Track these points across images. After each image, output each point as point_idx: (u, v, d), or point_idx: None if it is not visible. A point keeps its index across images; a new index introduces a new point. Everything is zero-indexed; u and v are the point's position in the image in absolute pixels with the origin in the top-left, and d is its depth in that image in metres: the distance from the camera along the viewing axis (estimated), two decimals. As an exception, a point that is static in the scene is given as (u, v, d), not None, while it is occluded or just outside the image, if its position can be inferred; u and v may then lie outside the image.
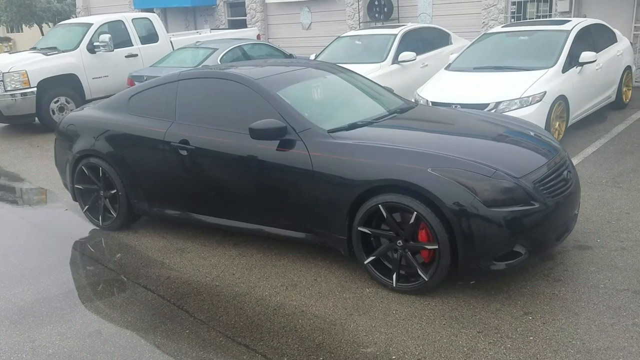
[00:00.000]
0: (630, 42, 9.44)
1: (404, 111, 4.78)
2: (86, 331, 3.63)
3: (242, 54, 10.78)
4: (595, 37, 8.16)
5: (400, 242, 3.78)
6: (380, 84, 5.62)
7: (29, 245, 5.14)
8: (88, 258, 4.85)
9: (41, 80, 10.04)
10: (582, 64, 7.45)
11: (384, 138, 4.08)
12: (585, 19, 8.50)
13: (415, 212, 3.62)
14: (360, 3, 14.45)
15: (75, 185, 5.41)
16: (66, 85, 10.46)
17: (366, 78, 5.48)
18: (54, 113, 10.24)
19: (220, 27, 17.30)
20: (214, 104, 4.70)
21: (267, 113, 4.29)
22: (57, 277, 4.46)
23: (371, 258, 3.91)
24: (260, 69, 5.01)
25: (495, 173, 3.61)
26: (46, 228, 5.60)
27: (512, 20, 12.32)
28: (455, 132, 4.40)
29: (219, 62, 10.04)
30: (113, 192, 5.17)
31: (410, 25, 10.09)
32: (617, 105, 8.79)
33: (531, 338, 3.27)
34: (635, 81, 9.88)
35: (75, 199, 5.53)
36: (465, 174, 3.59)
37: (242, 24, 17.08)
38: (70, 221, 5.72)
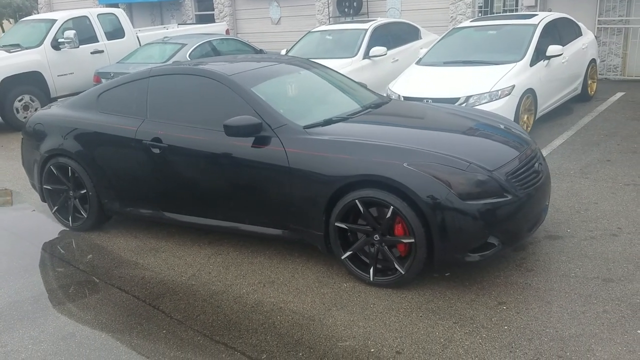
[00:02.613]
0: (595, 36, 9.66)
1: (378, 106, 4.80)
2: (60, 334, 3.56)
3: (211, 49, 10.68)
4: (561, 31, 8.33)
5: (377, 237, 3.81)
6: (354, 80, 5.63)
7: (-3, 248, 5.02)
8: (59, 260, 4.74)
9: (4, 78, 9.76)
10: (549, 58, 7.59)
11: (360, 133, 4.10)
12: (551, 13, 8.66)
13: (392, 207, 3.64)
14: (329, -2, 14.43)
15: (44, 186, 5.28)
16: (30, 83, 10.19)
17: (340, 73, 5.49)
18: (18, 112, 9.99)
19: (187, 22, 17.07)
20: (186, 101, 4.64)
21: (242, 110, 4.26)
22: (27, 280, 4.35)
23: (348, 253, 3.93)
24: (233, 64, 4.96)
25: (469, 166, 3.66)
26: (14, 230, 5.46)
27: (480, 14, 12.47)
28: (429, 126, 4.44)
29: (188, 58, 9.93)
30: (83, 192, 5.07)
31: (380, 20, 10.13)
32: (583, 97, 8.98)
33: (506, 327, 3.34)
34: (600, 74, 10.13)
35: (44, 200, 5.41)
36: (440, 167, 3.63)
37: (210, 19, 16.89)
38: (38, 222, 5.59)
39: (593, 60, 9.08)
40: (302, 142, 4.02)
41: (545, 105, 7.72)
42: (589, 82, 9.06)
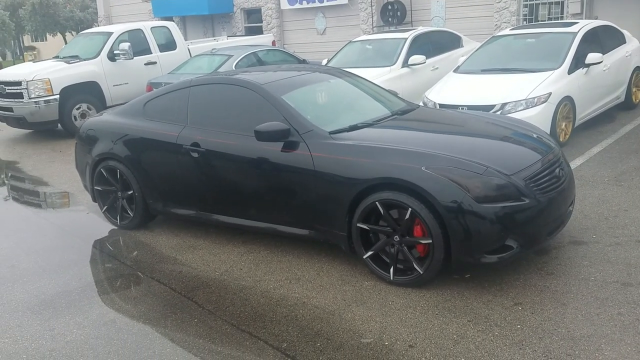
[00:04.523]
0: (641, 43, 9.47)
1: (404, 113, 4.97)
2: (102, 321, 3.90)
3: (256, 60, 11.07)
4: (602, 39, 8.24)
5: (397, 238, 3.97)
6: (385, 88, 5.82)
7: (52, 244, 5.44)
8: (106, 255, 5.13)
9: (63, 88, 10.42)
10: (588, 65, 7.54)
11: (382, 138, 4.28)
12: (592, 21, 8.58)
13: (410, 209, 3.81)
14: (373, 8, 14.65)
15: (95, 187, 5.70)
16: (88, 93, 10.83)
17: (370, 82, 5.69)
18: (76, 119, 10.60)
19: (237, 34, 17.66)
20: (223, 108, 4.95)
21: (273, 116, 4.52)
22: (76, 272, 4.74)
23: (370, 253, 4.11)
24: (267, 74, 5.25)
25: (486, 170, 3.79)
26: (68, 228, 5.90)
27: (525, 22, 12.41)
28: (450, 131, 4.59)
29: (234, 68, 10.34)
30: (130, 193, 5.44)
31: (420, 29, 10.27)
32: (627, 105, 8.84)
33: (519, 326, 3.44)
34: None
35: (94, 200, 5.83)
36: (457, 171, 3.77)
37: (259, 31, 17.40)
38: (91, 222, 6.02)
39: (638, 68, 8.92)
40: (327, 146, 4.25)
41: (584, 113, 7.66)
42: (634, 89, 8.91)
